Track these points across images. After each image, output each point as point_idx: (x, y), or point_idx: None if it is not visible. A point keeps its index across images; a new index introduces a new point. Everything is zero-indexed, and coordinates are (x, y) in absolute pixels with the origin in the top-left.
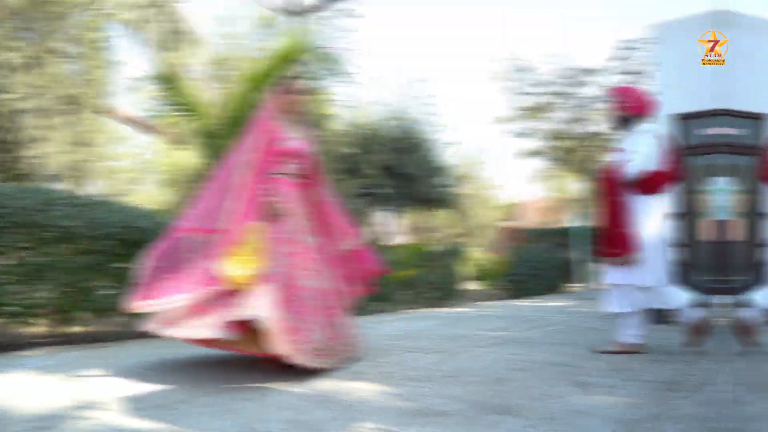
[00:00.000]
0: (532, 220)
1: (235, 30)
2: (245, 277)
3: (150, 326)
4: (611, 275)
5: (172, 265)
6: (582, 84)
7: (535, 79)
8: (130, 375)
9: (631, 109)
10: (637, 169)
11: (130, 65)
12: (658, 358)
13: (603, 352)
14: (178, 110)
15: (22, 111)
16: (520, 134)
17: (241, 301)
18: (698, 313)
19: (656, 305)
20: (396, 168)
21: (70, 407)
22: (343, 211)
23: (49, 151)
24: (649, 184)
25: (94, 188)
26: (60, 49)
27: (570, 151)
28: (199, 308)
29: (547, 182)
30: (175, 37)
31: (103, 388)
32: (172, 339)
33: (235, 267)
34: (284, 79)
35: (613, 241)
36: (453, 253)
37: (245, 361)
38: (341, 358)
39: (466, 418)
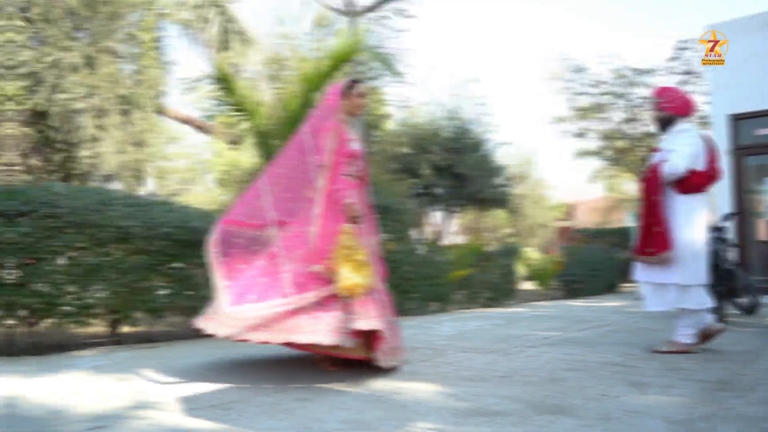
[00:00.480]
0: (587, 220)
1: (290, 30)
2: (360, 284)
3: (228, 331)
4: (645, 274)
5: (238, 257)
6: (635, 84)
7: (590, 79)
8: (184, 375)
9: (670, 109)
10: (676, 168)
11: (185, 65)
12: (711, 357)
13: (659, 352)
14: (232, 110)
15: (77, 111)
16: (576, 134)
17: (358, 310)
18: (708, 318)
19: (691, 305)
20: (450, 168)
21: (125, 407)
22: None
23: (103, 151)
24: (688, 183)
25: (149, 188)
26: (115, 48)
27: (624, 151)
28: (295, 312)
29: (602, 182)
30: (230, 36)
31: (158, 388)
32: (251, 342)
33: (351, 273)
34: (347, 80)
35: (648, 239)
36: (507, 253)
37: (299, 360)
38: (402, 356)
39: (521, 418)
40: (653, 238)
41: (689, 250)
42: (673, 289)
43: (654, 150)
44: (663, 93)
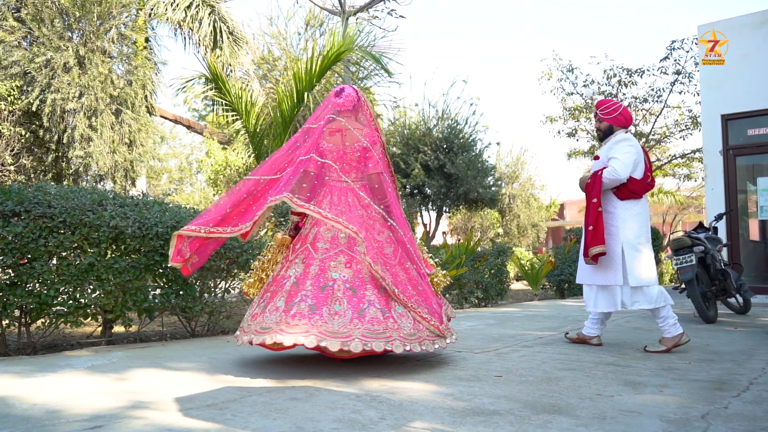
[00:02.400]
0: (580, 220)
1: (281, 29)
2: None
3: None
4: (585, 275)
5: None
6: (627, 84)
7: (582, 80)
8: (178, 375)
9: (611, 120)
10: (617, 175)
11: (176, 65)
12: (705, 357)
13: (652, 353)
14: (225, 110)
15: (69, 111)
16: (568, 134)
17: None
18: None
19: (644, 305)
20: (441, 168)
21: (121, 407)
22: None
23: (95, 151)
24: (628, 190)
25: (141, 188)
26: (106, 48)
27: None
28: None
29: None
30: (221, 36)
31: (153, 388)
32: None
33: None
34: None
35: (587, 242)
36: (499, 253)
37: (292, 360)
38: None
39: (518, 418)
40: (588, 236)
41: (630, 252)
42: (617, 290)
43: (596, 158)
44: (604, 105)
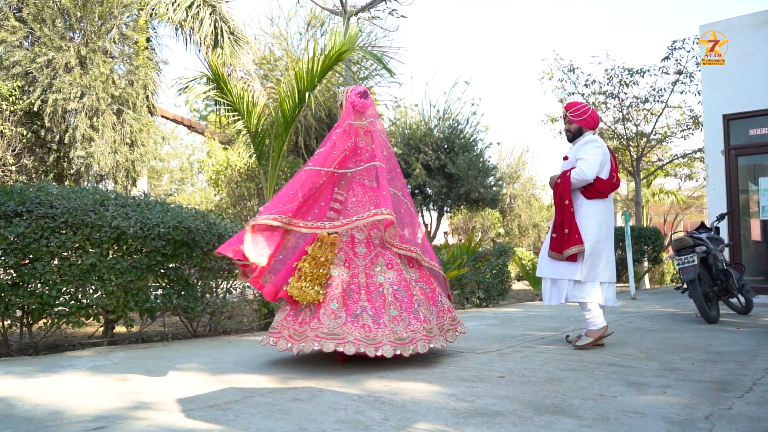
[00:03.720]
0: None
1: (282, 29)
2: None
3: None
4: (550, 270)
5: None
6: (628, 84)
7: (583, 79)
8: (181, 375)
9: (580, 122)
10: (585, 175)
11: (178, 65)
12: (708, 358)
13: (580, 348)
14: (226, 110)
15: (70, 111)
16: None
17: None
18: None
19: (581, 299)
20: (442, 168)
21: (124, 407)
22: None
23: (96, 151)
24: (595, 190)
25: (142, 188)
26: (108, 48)
27: (616, 151)
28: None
29: None
30: (222, 36)
31: (155, 389)
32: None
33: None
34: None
35: (560, 238)
36: (500, 253)
37: (293, 361)
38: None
39: (521, 419)
40: (564, 237)
41: (593, 250)
42: (564, 283)
43: (564, 158)
44: (573, 107)
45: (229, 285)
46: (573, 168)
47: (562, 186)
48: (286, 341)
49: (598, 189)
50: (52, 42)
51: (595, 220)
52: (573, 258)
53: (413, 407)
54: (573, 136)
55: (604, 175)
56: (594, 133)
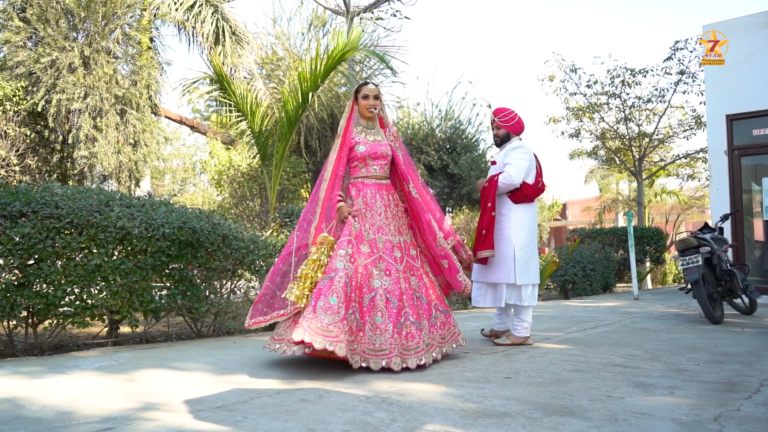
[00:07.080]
0: (582, 220)
1: (285, 29)
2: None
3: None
4: (480, 274)
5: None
6: (630, 84)
7: (586, 80)
8: (187, 376)
9: (507, 127)
10: (512, 180)
11: (181, 65)
12: (714, 358)
13: (499, 345)
14: (229, 110)
15: (74, 111)
16: (570, 134)
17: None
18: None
19: (516, 302)
20: (445, 168)
21: (131, 408)
22: (438, 210)
23: (100, 151)
24: (521, 194)
25: (145, 188)
26: (111, 49)
27: (618, 151)
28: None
29: (597, 182)
30: (225, 36)
31: (162, 389)
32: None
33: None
34: (359, 84)
35: (478, 241)
36: None
37: (300, 362)
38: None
39: (529, 420)
40: (479, 239)
41: (521, 253)
42: (503, 288)
43: (492, 163)
44: (502, 113)
45: (233, 285)
46: (501, 173)
47: (488, 189)
48: (286, 345)
49: (524, 193)
50: (55, 42)
51: (525, 223)
52: (483, 261)
53: (421, 408)
54: (501, 141)
55: (531, 180)
56: (520, 139)
